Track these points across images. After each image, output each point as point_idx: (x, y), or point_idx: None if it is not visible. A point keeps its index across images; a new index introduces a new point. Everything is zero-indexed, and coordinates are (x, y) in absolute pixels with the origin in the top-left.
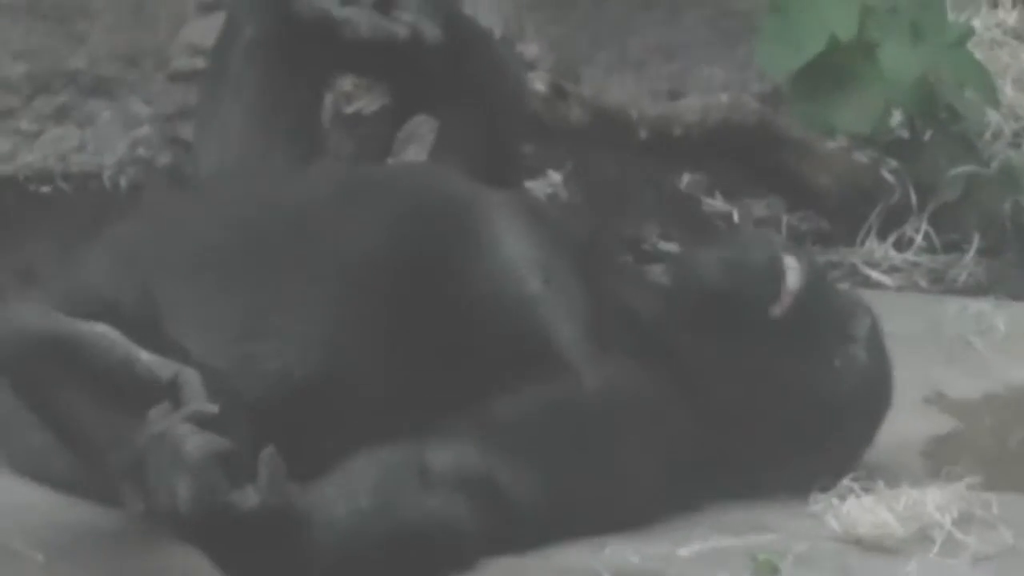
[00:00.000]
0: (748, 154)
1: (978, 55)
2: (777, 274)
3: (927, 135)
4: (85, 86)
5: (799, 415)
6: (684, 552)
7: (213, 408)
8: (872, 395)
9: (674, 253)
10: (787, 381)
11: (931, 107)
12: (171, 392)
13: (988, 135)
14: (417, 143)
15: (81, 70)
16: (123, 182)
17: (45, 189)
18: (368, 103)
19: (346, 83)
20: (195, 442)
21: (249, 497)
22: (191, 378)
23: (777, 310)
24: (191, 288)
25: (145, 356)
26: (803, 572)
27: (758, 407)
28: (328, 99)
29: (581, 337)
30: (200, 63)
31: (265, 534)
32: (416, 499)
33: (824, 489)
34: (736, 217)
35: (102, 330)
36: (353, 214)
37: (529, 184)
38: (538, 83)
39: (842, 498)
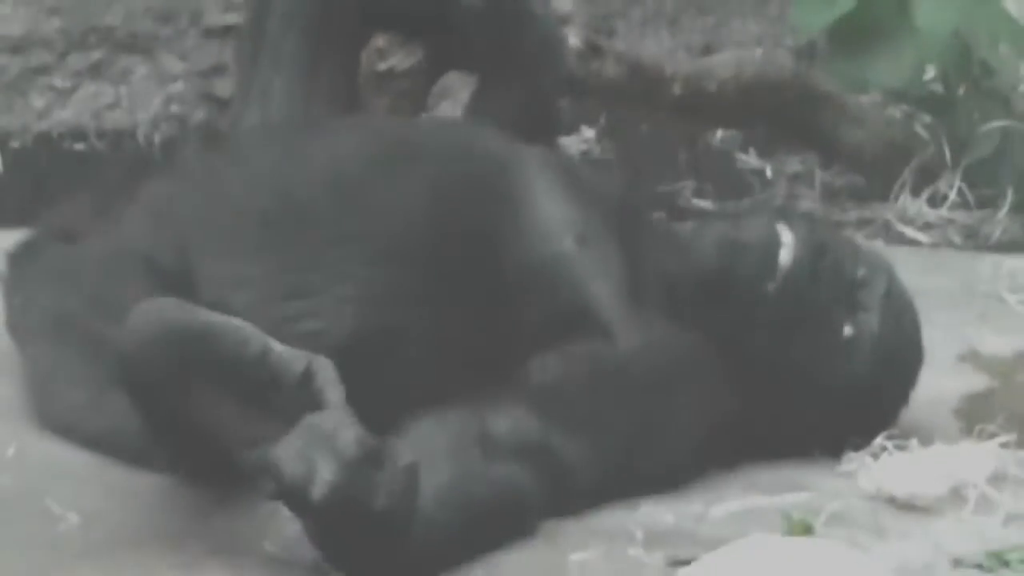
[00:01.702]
0: (782, 110)
1: (1012, 9)
2: (772, 250)
3: (961, 90)
4: (119, 42)
5: (815, 384)
6: (717, 511)
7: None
8: (895, 359)
9: (684, 226)
10: (794, 354)
11: (965, 62)
12: (304, 382)
13: (1022, 89)
14: (451, 99)
15: (115, 26)
16: (157, 139)
17: (79, 146)
18: (401, 60)
19: (379, 40)
20: (351, 435)
21: (381, 492)
22: (325, 368)
23: (770, 286)
24: (229, 247)
25: (278, 347)
26: (836, 531)
27: (776, 374)
28: (362, 57)
29: (615, 296)
30: (234, 19)
31: (384, 526)
32: (482, 469)
33: (857, 448)
34: (769, 173)
35: (238, 323)
36: (389, 173)
37: (563, 140)
38: (573, 38)
39: (875, 457)
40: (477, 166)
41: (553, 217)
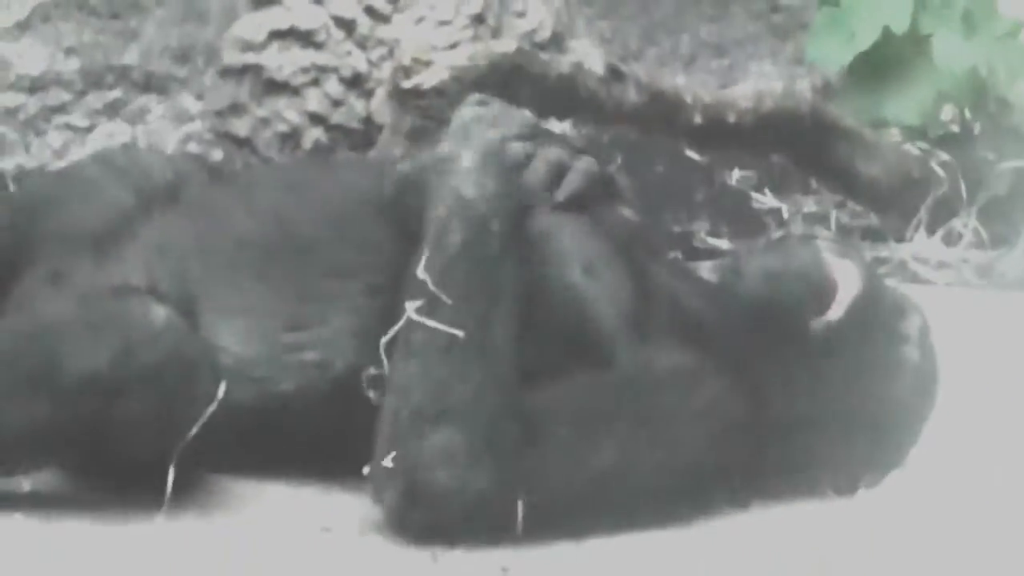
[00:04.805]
0: (800, 143)
1: None
2: (826, 281)
3: (977, 128)
4: (137, 82)
5: (850, 417)
6: (733, 545)
7: None
8: (922, 394)
9: (725, 258)
10: (838, 384)
11: (982, 99)
12: None
13: None
14: None
15: (132, 66)
16: None
17: None
18: (427, 78)
19: (406, 57)
20: None
21: None
22: None
23: (832, 315)
24: (230, 276)
25: None
26: (847, 566)
27: (807, 408)
28: (387, 72)
29: (621, 327)
30: (251, 59)
31: None
32: None
33: (870, 485)
34: (785, 213)
35: None
36: (390, 207)
37: None
38: (595, 64)
39: (885, 495)
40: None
41: (560, 249)
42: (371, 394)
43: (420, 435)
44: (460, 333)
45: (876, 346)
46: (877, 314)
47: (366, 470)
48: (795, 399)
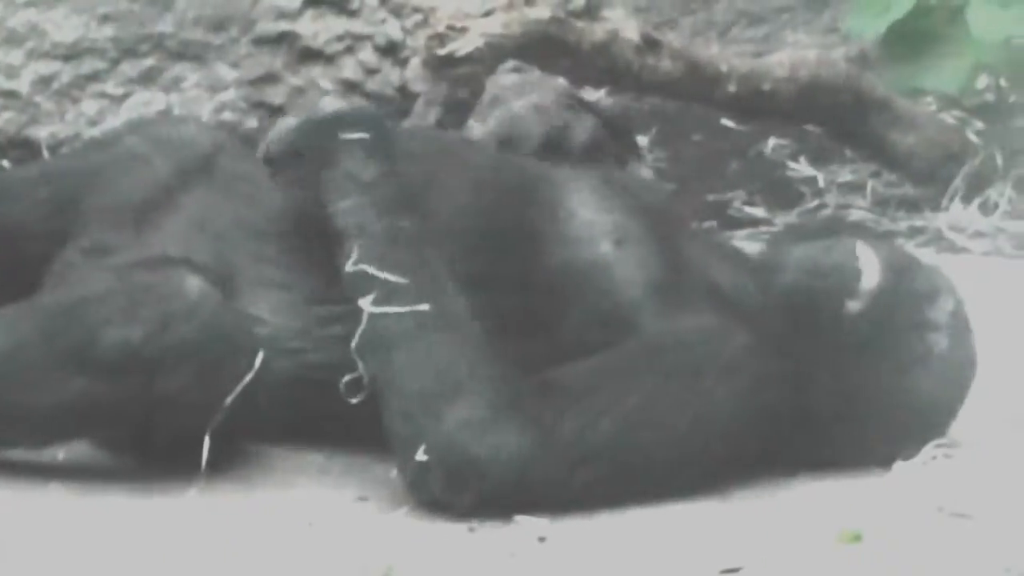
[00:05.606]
0: (835, 113)
1: None
2: (854, 272)
3: (1012, 97)
4: (171, 50)
5: (880, 404)
6: (768, 517)
7: None
8: (959, 376)
9: (760, 245)
10: (865, 372)
11: (1018, 69)
12: None
13: None
14: (502, 107)
15: (167, 34)
16: None
17: None
18: (462, 45)
19: (440, 25)
20: None
21: None
22: None
23: (854, 307)
24: (264, 250)
25: None
26: (885, 540)
27: (837, 394)
28: (422, 40)
29: (652, 299)
30: (285, 26)
31: None
32: None
33: (908, 457)
34: (821, 182)
35: None
36: (432, 181)
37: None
38: (630, 33)
39: (926, 466)
40: (519, 175)
41: (592, 222)
42: (353, 400)
43: (438, 417)
44: (426, 306)
45: (900, 336)
46: (902, 304)
47: (394, 474)
48: (824, 384)
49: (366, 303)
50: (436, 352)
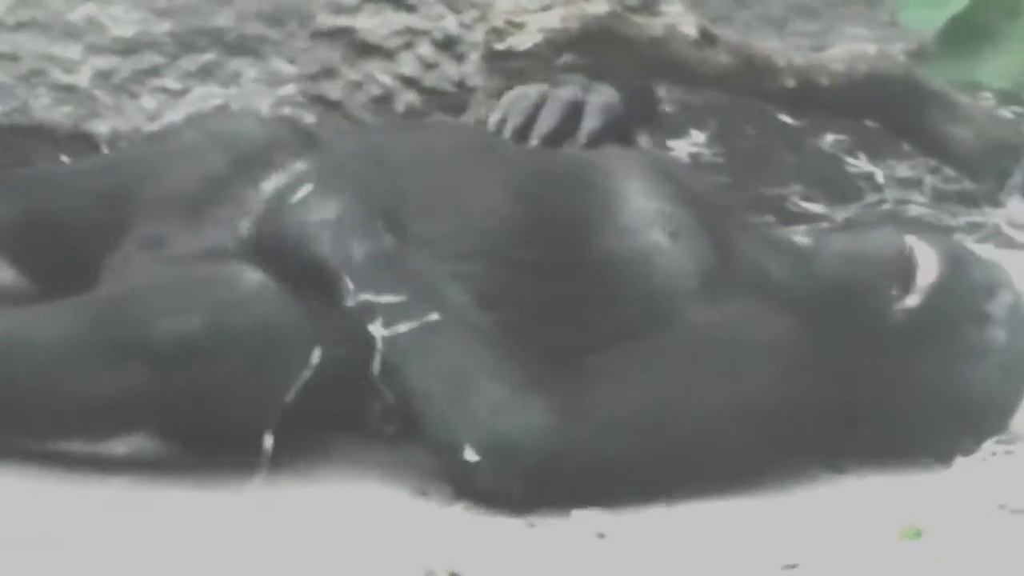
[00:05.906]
0: (893, 107)
1: None
2: (907, 266)
3: None
4: (229, 45)
5: (937, 400)
6: (823, 512)
7: None
8: (1014, 369)
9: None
10: (923, 365)
11: None
12: None
13: None
14: None
15: (226, 28)
16: None
17: None
18: (520, 40)
19: (498, 20)
20: None
21: None
22: None
23: (912, 301)
24: None
25: None
26: (945, 536)
27: (892, 384)
28: (480, 35)
29: (701, 289)
30: (344, 21)
31: None
32: None
33: (966, 453)
34: (880, 178)
35: None
36: (487, 168)
37: (672, 143)
38: (687, 27)
39: (985, 462)
40: (572, 164)
41: (644, 210)
42: (388, 428)
43: (468, 412)
44: (435, 315)
45: (958, 330)
46: (959, 298)
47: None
48: (874, 381)
49: (376, 329)
50: (452, 354)
